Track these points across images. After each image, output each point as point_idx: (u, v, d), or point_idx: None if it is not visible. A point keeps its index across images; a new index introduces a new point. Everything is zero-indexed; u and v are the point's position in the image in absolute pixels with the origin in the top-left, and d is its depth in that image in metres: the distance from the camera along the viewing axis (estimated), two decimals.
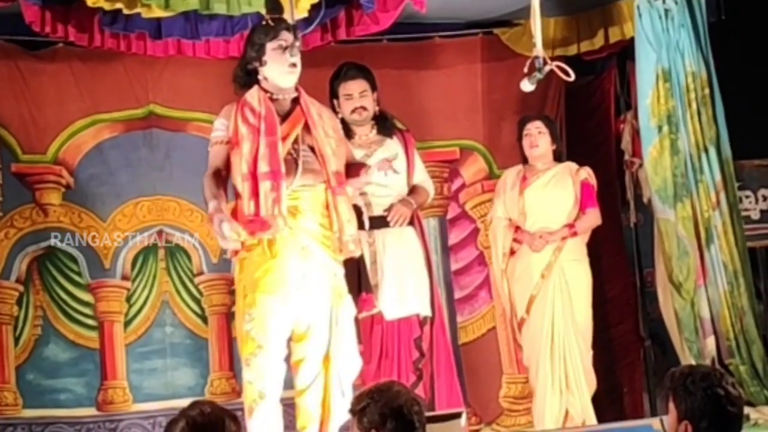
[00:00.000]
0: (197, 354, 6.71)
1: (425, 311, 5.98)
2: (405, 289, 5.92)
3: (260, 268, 5.10)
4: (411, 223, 6.03)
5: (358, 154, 5.88)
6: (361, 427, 3.33)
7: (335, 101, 6.02)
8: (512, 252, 6.23)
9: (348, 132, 5.84)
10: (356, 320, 5.67)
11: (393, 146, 6.07)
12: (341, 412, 5.20)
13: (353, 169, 5.35)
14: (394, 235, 5.96)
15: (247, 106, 5.15)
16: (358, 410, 3.34)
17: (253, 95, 5.16)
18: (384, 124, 6.09)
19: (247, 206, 5.05)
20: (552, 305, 6.11)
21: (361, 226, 5.79)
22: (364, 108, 6.01)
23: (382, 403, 3.31)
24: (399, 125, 6.29)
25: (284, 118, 5.17)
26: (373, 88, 6.05)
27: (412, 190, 6.07)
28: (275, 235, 5.05)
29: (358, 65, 6.09)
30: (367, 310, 5.78)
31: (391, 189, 5.98)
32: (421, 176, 6.16)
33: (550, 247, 6.15)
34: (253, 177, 5.05)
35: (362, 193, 5.82)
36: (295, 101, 5.23)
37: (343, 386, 5.21)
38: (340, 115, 5.89)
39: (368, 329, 5.90)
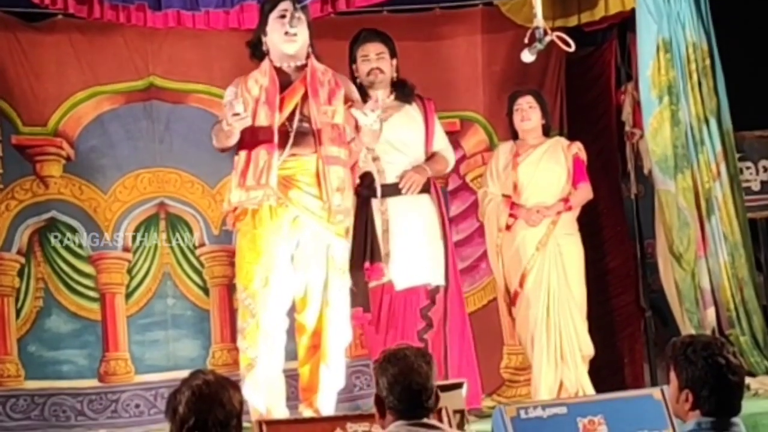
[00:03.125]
0: (199, 326, 6.72)
1: (437, 280, 5.95)
2: (417, 258, 5.89)
3: (246, 237, 5.18)
4: (426, 190, 6.00)
5: (373, 118, 5.90)
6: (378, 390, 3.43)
7: (354, 65, 6.00)
8: (507, 227, 6.21)
9: (364, 97, 5.82)
10: (367, 289, 5.70)
11: (411, 112, 6.05)
12: (329, 382, 5.25)
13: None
14: (407, 203, 5.92)
15: (252, 77, 5.26)
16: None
17: (262, 67, 5.25)
18: (403, 90, 6.06)
19: (239, 177, 5.10)
20: (548, 278, 6.10)
21: (373, 193, 5.81)
22: (380, 70, 5.97)
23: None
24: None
25: (286, 86, 5.21)
26: (392, 53, 6.03)
27: (430, 157, 6.04)
28: (266, 202, 5.09)
29: (377, 30, 6.08)
30: (376, 279, 5.80)
31: (406, 156, 5.95)
32: (441, 144, 6.13)
33: (545, 221, 6.14)
34: (249, 145, 5.11)
35: (375, 159, 5.83)
36: (302, 69, 5.26)
37: (328, 358, 5.24)
38: (358, 80, 5.87)
39: (378, 298, 5.88)
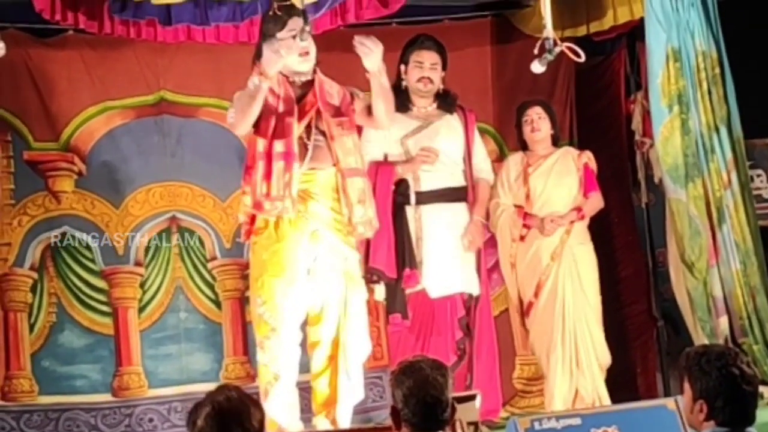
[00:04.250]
0: (211, 339, 6.73)
1: (472, 290, 5.97)
2: (450, 266, 5.91)
3: (267, 251, 5.17)
4: (462, 199, 6.02)
5: (413, 125, 5.91)
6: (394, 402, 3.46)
7: (402, 67, 6.01)
8: (521, 237, 6.22)
9: (406, 102, 5.79)
10: (404, 296, 5.69)
11: (452, 122, 6.07)
12: (348, 394, 5.25)
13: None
14: (441, 211, 5.94)
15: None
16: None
17: (273, 78, 5.22)
18: (446, 100, 6.09)
19: (260, 187, 5.11)
20: (563, 288, 6.11)
21: (407, 200, 5.83)
22: (430, 80, 6.00)
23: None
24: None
25: (300, 100, 5.22)
26: (444, 65, 6.06)
27: (474, 199, 6.05)
28: (283, 216, 5.09)
29: (435, 39, 6.10)
30: (411, 287, 5.82)
31: (443, 164, 5.96)
32: (480, 155, 6.16)
33: (559, 231, 6.15)
34: (268, 157, 5.12)
35: (407, 161, 5.84)
36: (311, 84, 5.27)
37: (349, 370, 5.25)
38: (404, 83, 5.88)
39: (414, 305, 5.90)
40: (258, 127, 5.20)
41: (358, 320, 5.34)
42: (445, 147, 5.98)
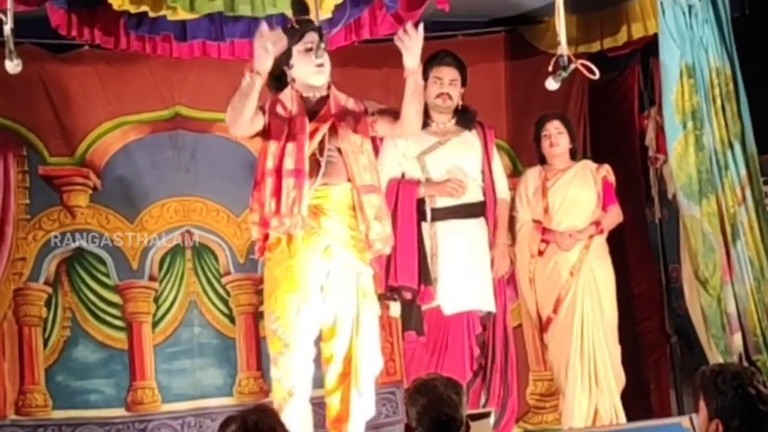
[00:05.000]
0: (225, 354, 6.75)
1: (487, 307, 5.96)
2: (465, 283, 5.90)
3: (280, 267, 5.16)
4: (479, 215, 6.02)
5: (431, 141, 5.92)
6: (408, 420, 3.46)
7: (423, 83, 6.02)
8: (540, 252, 6.23)
9: (425, 118, 5.77)
10: (420, 313, 5.69)
11: (470, 138, 6.08)
12: (360, 411, 5.25)
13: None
14: (456, 227, 5.94)
15: (279, 103, 5.25)
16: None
17: (285, 94, 5.24)
18: (465, 116, 6.09)
19: (269, 203, 5.10)
20: (582, 303, 6.11)
21: (423, 216, 5.84)
22: (449, 96, 6.02)
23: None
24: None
25: (313, 116, 5.22)
26: (464, 82, 6.08)
27: (495, 221, 6.05)
28: (294, 232, 5.09)
29: (456, 55, 6.12)
30: (426, 303, 5.82)
31: (463, 180, 5.95)
32: (499, 172, 6.16)
33: (578, 245, 6.15)
34: (278, 173, 5.12)
35: (435, 184, 5.86)
36: (326, 100, 5.27)
37: (361, 386, 5.24)
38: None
39: (429, 322, 5.89)
40: (268, 143, 5.19)
41: (371, 336, 5.32)
42: (461, 163, 5.98)
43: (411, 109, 5.24)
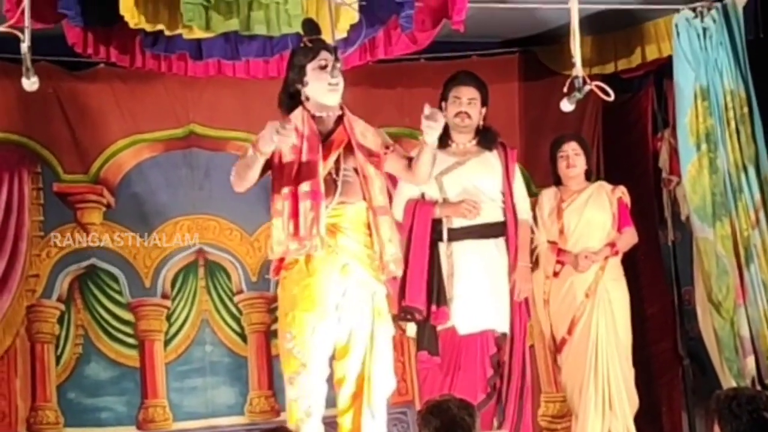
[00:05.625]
0: (237, 372, 6.74)
1: (502, 328, 5.94)
2: (481, 303, 5.88)
3: (299, 285, 5.15)
4: (497, 235, 6.02)
5: (449, 162, 5.92)
6: None
7: (443, 103, 6.03)
8: (555, 274, 6.23)
9: (446, 139, 5.79)
10: (434, 333, 5.69)
11: (491, 159, 6.08)
12: (372, 431, 5.23)
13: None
14: (474, 248, 5.93)
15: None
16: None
17: (297, 115, 5.20)
18: (486, 137, 6.09)
19: (286, 226, 5.09)
20: (596, 325, 6.11)
21: (440, 236, 5.84)
22: (468, 115, 6.03)
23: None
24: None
25: (327, 137, 5.21)
26: (483, 101, 6.09)
27: (516, 243, 6.02)
28: (313, 252, 5.08)
29: (475, 75, 6.14)
30: (441, 323, 5.82)
31: (479, 201, 5.95)
32: (521, 193, 6.14)
33: (593, 267, 6.15)
34: (294, 196, 5.10)
35: (449, 205, 5.88)
36: (339, 120, 5.27)
37: (373, 407, 5.23)
38: (444, 120, 5.90)
39: (443, 342, 5.88)
40: (282, 169, 5.18)
41: (384, 356, 5.30)
42: (480, 183, 5.98)
43: (424, 170, 5.28)
